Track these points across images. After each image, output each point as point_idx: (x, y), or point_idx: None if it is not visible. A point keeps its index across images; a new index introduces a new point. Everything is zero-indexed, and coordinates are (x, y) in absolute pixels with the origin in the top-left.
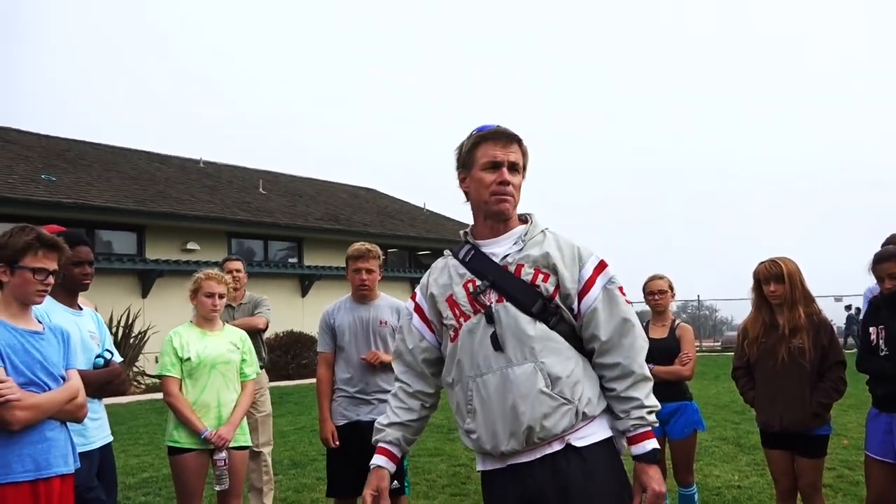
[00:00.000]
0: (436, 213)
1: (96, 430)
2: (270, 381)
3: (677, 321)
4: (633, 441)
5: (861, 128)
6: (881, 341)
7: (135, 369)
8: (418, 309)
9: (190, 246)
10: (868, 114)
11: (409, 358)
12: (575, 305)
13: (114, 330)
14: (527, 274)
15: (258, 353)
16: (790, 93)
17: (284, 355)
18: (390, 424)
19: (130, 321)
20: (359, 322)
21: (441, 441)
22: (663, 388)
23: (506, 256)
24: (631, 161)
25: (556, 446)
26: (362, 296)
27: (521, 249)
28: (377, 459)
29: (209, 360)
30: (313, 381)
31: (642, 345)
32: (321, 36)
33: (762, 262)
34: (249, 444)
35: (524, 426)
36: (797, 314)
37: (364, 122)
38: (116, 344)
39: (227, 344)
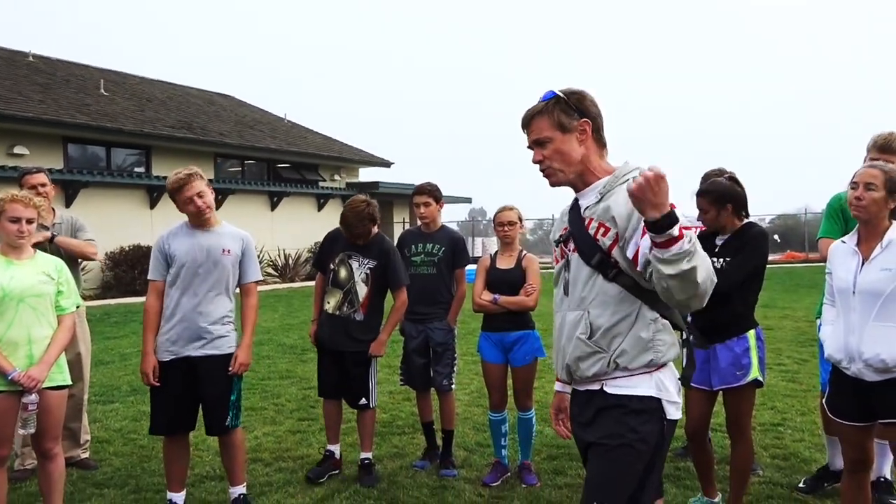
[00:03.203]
0: (298, 125)
1: None
2: (116, 297)
3: (524, 252)
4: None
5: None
6: None
7: None
8: None
9: (18, 150)
10: None
11: None
12: (629, 252)
13: None
14: (593, 227)
15: (77, 284)
16: None
17: (131, 270)
18: None
19: None
20: (198, 249)
21: (294, 363)
22: (508, 318)
23: (587, 208)
24: None
25: (594, 387)
26: (201, 222)
27: (598, 202)
28: (557, 386)
29: (16, 292)
30: None
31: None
32: None
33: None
34: (68, 382)
35: (564, 363)
36: None
37: (219, 21)
38: None
39: (38, 274)
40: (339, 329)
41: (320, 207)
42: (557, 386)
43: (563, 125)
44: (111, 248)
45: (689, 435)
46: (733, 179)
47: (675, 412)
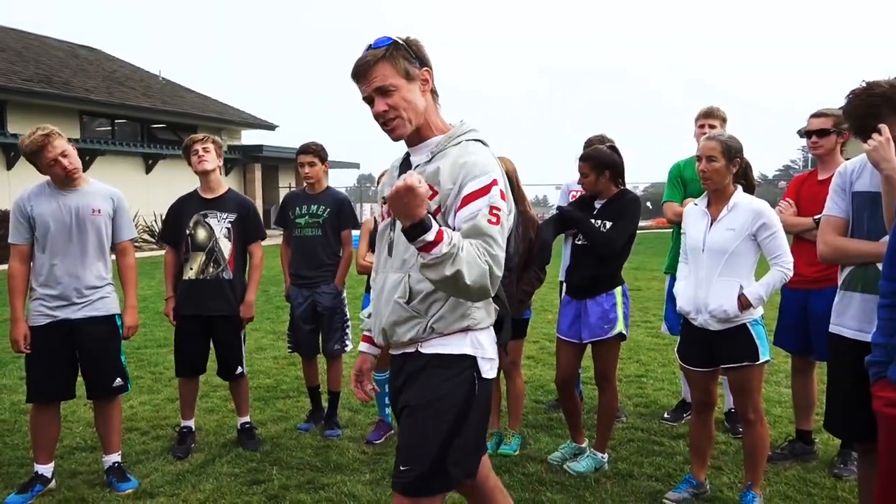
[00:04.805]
0: (173, 83)
1: None
2: None
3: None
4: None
5: None
6: (580, 235)
7: None
8: None
9: None
10: None
11: None
12: (451, 221)
13: None
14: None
15: None
16: None
17: None
18: (369, 315)
19: None
20: (66, 210)
21: (170, 330)
22: None
23: (417, 167)
24: None
25: (410, 349)
26: (65, 181)
27: (428, 161)
28: (361, 346)
29: None
30: None
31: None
32: None
33: None
34: None
35: (381, 327)
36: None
37: None
38: None
39: None
40: (209, 293)
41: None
42: (362, 346)
43: (408, 72)
44: None
45: (559, 385)
46: (613, 149)
47: (489, 371)
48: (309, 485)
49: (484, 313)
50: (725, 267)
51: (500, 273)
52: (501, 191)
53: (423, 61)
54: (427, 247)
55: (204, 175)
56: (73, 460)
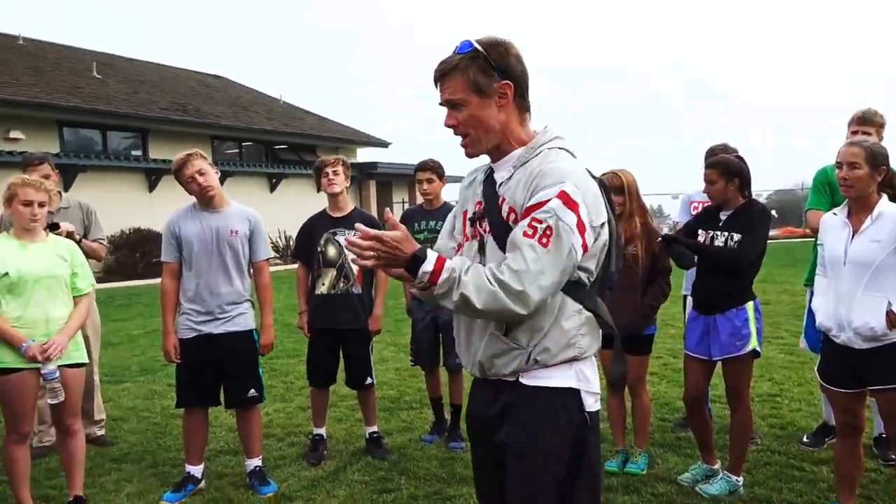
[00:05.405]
0: (293, 106)
1: None
2: (117, 280)
3: None
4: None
5: None
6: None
7: None
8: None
9: (13, 135)
10: None
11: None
12: None
13: None
14: (504, 209)
15: None
16: None
17: (132, 254)
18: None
19: None
20: (207, 231)
21: (300, 342)
22: None
23: (501, 185)
24: None
25: (509, 378)
26: (208, 201)
27: (510, 178)
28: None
29: (31, 275)
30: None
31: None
32: None
33: (603, 174)
34: (86, 360)
35: (475, 360)
36: (633, 224)
37: (211, 3)
38: None
39: (52, 257)
40: (340, 307)
41: (319, 188)
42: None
43: (480, 88)
44: (111, 232)
45: (688, 403)
46: (740, 158)
47: (594, 404)
48: (436, 496)
49: (590, 339)
50: (871, 281)
51: (528, 289)
52: (574, 202)
53: (504, 71)
54: (431, 279)
55: (332, 196)
56: (219, 462)
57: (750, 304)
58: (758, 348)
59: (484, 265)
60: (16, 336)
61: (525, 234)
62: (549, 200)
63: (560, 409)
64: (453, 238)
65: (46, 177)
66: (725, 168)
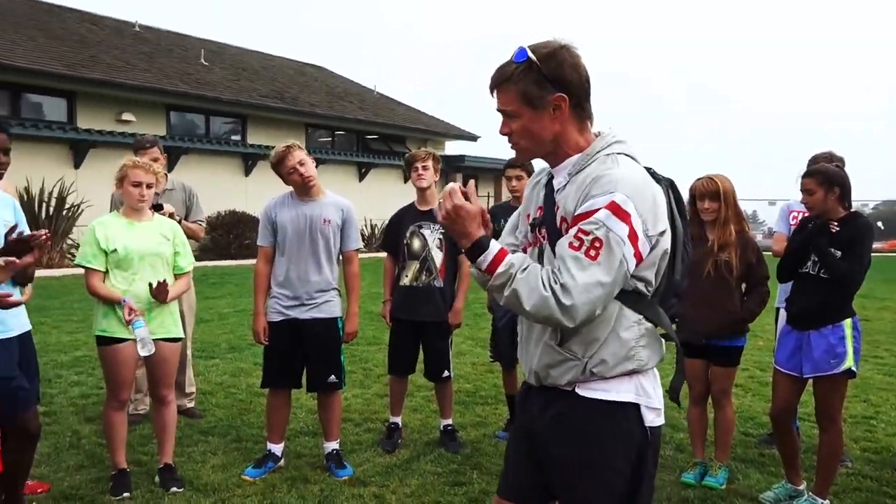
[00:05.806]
0: (386, 97)
1: (14, 317)
2: (211, 259)
3: None
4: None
5: None
6: (809, 262)
7: (68, 241)
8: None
9: (126, 117)
10: None
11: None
12: None
13: (46, 200)
14: (558, 217)
15: None
16: None
17: (226, 235)
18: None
19: (65, 194)
20: (302, 218)
21: (380, 330)
22: None
23: (558, 191)
24: None
25: (565, 387)
26: (307, 190)
27: (566, 185)
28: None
29: (137, 252)
30: (255, 262)
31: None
32: None
33: (699, 179)
34: (181, 335)
35: (532, 368)
36: (728, 231)
37: None
38: (48, 216)
39: (156, 236)
40: (421, 299)
41: (406, 179)
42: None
43: (531, 101)
44: (208, 213)
45: (774, 419)
46: (841, 167)
47: (655, 419)
48: None
49: (650, 352)
50: None
51: (576, 303)
52: (625, 212)
53: (559, 82)
54: (489, 267)
55: (420, 190)
56: (298, 443)
57: (848, 322)
58: (854, 368)
59: None
60: (114, 295)
61: (571, 245)
62: (597, 210)
63: (619, 424)
64: (514, 235)
65: (155, 159)
66: (825, 177)
